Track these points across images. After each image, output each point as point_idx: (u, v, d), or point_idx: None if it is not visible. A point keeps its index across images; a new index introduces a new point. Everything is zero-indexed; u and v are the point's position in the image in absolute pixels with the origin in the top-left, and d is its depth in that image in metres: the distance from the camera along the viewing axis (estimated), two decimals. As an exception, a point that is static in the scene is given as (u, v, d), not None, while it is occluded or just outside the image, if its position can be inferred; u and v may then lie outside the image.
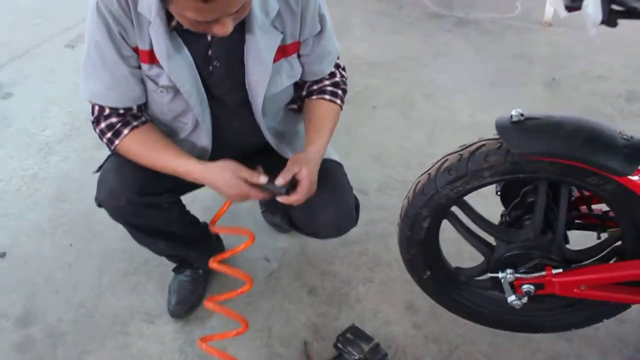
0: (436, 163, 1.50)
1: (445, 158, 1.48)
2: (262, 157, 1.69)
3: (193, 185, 1.71)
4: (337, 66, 1.68)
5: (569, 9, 1.19)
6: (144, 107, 1.58)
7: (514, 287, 1.52)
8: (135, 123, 1.54)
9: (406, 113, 2.99)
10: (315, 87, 1.67)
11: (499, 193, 1.60)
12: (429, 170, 1.51)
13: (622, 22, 1.21)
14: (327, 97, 1.65)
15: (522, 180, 1.47)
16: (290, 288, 2.08)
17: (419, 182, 1.52)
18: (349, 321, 1.91)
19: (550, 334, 1.87)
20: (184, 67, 1.45)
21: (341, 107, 1.69)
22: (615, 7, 1.14)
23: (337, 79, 1.68)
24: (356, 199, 1.76)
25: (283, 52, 1.53)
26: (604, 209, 1.53)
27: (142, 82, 1.51)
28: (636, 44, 3.39)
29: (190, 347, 1.87)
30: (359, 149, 2.71)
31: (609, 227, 1.52)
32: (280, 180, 1.49)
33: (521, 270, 1.50)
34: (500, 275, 1.51)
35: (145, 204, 1.61)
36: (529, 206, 1.50)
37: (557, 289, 1.47)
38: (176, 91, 1.49)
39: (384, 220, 2.29)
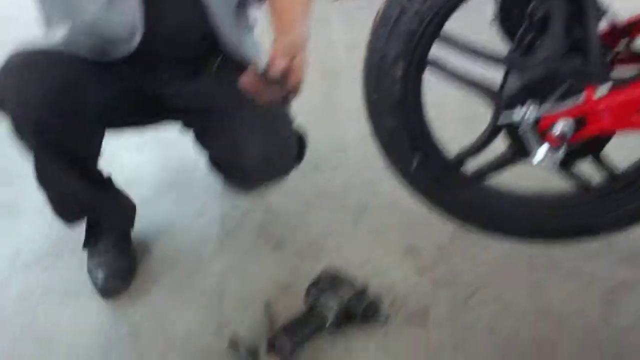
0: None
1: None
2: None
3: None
4: None
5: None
6: None
7: (541, 135, 1.01)
8: None
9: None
10: None
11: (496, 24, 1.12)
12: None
13: None
14: None
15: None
16: (250, 245, 1.58)
17: (380, 9, 1.06)
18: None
19: (605, 259, 1.34)
20: None
21: None
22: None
23: None
24: (302, 136, 1.44)
25: None
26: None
27: None
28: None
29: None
30: (336, 110, 2.26)
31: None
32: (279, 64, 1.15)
33: (548, 104, 0.99)
34: (516, 115, 1.00)
35: (67, 112, 1.22)
36: (541, 23, 1.02)
37: (607, 120, 0.97)
38: None
39: (369, 169, 1.80)
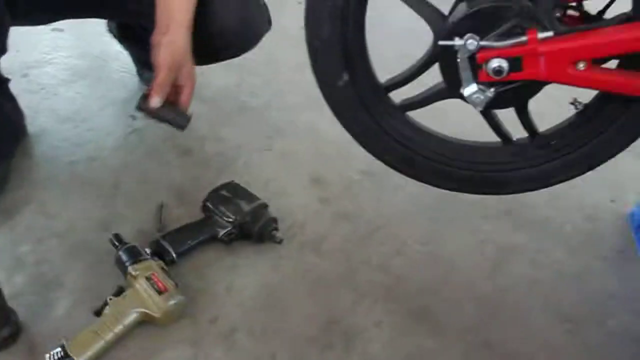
0: None
1: None
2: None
3: None
4: None
5: None
6: None
7: (476, 69, 0.99)
8: None
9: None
10: None
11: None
12: None
13: None
14: None
15: None
16: (156, 147, 1.50)
17: None
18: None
19: (502, 222, 1.36)
20: None
21: None
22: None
23: None
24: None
25: None
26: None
27: None
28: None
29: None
30: (277, 35, 2.16)
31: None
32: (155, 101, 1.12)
33: (489, 38, 0.97)
34: (456, 42, 0.98)
35: None
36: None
37: (543, 67, 0.96)
38: None
39: (295, 95, 1.74)
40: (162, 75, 1.09)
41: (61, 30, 1.91)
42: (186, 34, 1.10)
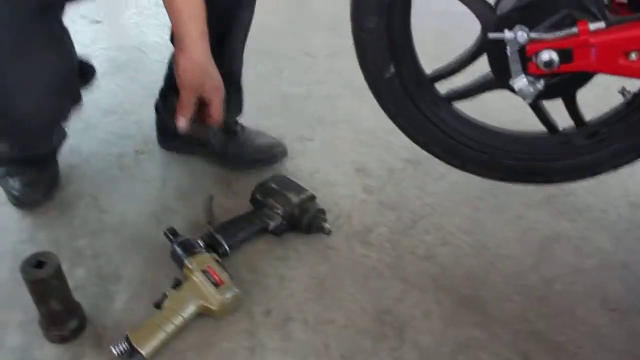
0: None
1: None
2: None
3: None
4: None
5: None
6: None
7: (526, 61, 1.00)
8: None
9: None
10: None
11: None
12: None
13: None
14: None
15: None
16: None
17: None
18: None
19: (545, 210, 1.37)
20: None
21: None
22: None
23: None
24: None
25: None
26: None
27: None
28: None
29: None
30: (309, 19, 2.16)
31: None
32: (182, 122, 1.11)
33: (539, 30, 0.97)
34: (506, 35, 0.98)
35: None
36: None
37: (594, 59, 0.96)
38: None
39: (333, 83, 1.75)
40: (183, 97, 1.09)
41: (99, 22, 1.93)
42: (203, 47, 1.07)
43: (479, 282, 1.20)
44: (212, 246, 1.17)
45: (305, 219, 1.21)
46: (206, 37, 1.07)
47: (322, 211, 1.24)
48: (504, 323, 1.13)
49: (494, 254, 1.27)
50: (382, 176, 1.44)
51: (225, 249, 1.17)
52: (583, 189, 1.44)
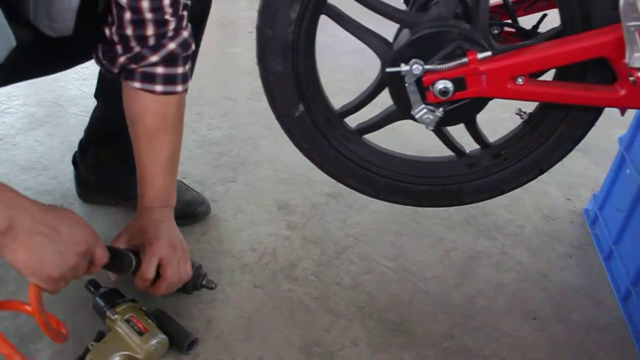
0: None
1: None
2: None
3: None
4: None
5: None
6: None
7: (424, 91, 1.05)
8: None
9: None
10: (133, 65, 1.05)
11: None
12: None
13: None
14: (158, 88, 1.08)
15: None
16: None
17: None
18: (201, 225, 1.39)
19: (465, 231, 1.42)
20: None
21: (185, 92, 1.13)
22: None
23: (174, 43, 1.04)
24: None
25: None
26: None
27: None
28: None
29: None
30: (231, 64, 2.20)
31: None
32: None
33: (433, 62, 1.03)
34: (402, 68, 1.03)
35: None
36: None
37: (485, 85, 1.02)
38: None
39: (254, 125, 1.78)
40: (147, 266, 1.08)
41: (14, 79, 1.91)
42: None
43: (404, 305, 1.23)
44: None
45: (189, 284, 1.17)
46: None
47: (200, 266, 1.20)
48: (431, 343, 1.15)
49: (418, 277, 1.30)
50: (305, 212, 1.46)
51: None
52: (500, 207, 1.50)
